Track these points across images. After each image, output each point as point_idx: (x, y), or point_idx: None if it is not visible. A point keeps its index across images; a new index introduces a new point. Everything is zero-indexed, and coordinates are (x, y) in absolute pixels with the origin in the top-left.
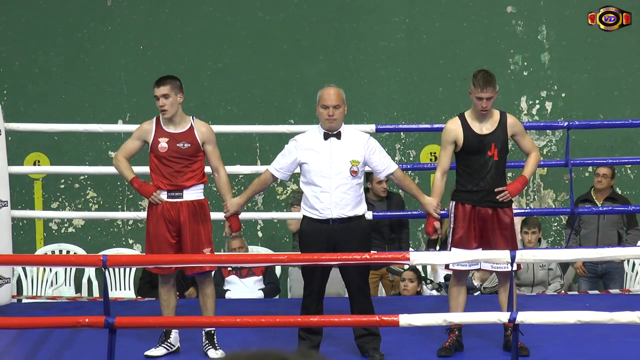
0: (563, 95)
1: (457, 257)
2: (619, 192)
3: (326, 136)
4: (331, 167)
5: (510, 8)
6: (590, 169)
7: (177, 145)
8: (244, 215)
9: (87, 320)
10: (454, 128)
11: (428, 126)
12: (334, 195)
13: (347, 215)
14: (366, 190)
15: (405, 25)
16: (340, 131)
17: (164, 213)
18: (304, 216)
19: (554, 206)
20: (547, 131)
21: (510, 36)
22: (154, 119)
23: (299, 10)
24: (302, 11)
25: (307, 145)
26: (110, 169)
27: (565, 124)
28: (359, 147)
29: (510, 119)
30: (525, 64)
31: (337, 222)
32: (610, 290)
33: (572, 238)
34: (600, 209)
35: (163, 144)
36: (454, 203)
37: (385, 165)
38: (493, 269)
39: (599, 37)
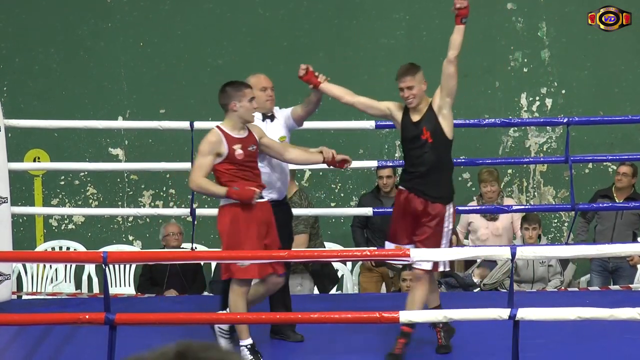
0: (563, 92)
1: (457, 254)
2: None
3: (264, 118)
4: None
5: (510, 5)
6: (590, 165)
7: (248, 149)
8: None
9: (87, 316)
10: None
11: None
12: (274, 175)
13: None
14: (377, 188)
15: (406, 22)
16: (273, 113)
17: (255, 214)
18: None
19: (554, 203)
20: (547, 128)
21: (510, 33)
22: (217, 130)
23: (299, 7)
24: (302, 8)
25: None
26: (110, 166)
27: (565, 120)
28: (283, 122)
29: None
30: (525, 60)
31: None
32: (611, 287)
33: (582, 227)
34: (601, 205)
35: (239, 150)
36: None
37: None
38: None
39: (599, 34)
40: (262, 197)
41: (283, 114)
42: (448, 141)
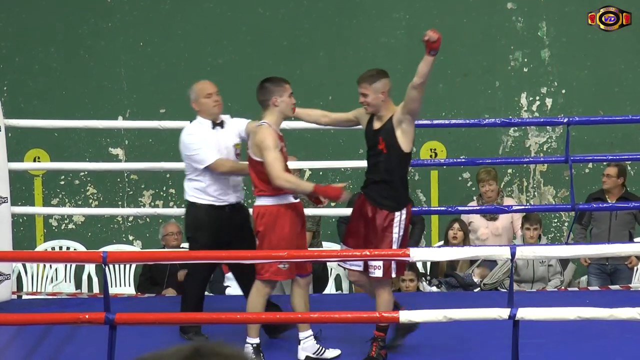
0: (563, 91)
1: (457, 253)
2: (633, 192)
3: (214, 125)
4: (223, 155)
5: (511, 4)
6: (590, 165)
7: (284, 150)
8: None
9: (87, 316)
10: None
11: (428, 122)
12: (230, 180)
13: (241, 201)
14: None
15: (406, 21)
16: (222, 120)
17: (299, 214)
18: (197, 204)
19: (554, 202)
20: (547, 127)
21: (511, 32)
22: (267, 125)
23: (299, 7)
24: (302, 7)
25: (197, 138)
26: (110, 165)
27: (565, 120)
28: (237, 131)
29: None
30: (526, 60)
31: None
32: (610, 287)
33: (580, 234)
34: (601, 205)
35: (284, 150)
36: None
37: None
38: (369, 274)
39: (599, 34)
40: (296, 198)
41: (236, 123)
42: (403, 154)
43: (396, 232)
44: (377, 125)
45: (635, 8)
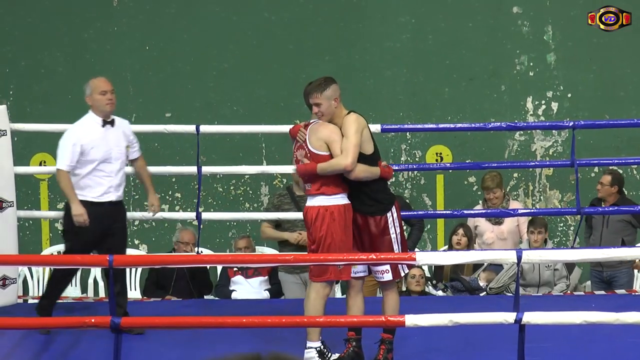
0: (569, 95)
1: (463, 257)
2: (629, 197)
3: (104, 123)
4: (112, 153)
5: (516, 8)
6: (596, 169)
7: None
8: (250, 216)
9: (93, 320)
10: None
11: (434, 126)
12: (115, 179)
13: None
14: None
15: (411, 25)
16: (113, 119)
17: (348, 218)
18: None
19: (560, 206)
20: (553, 131)
21: (516, 36)
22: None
23: (305, 11)
24: (308, 11)
25: (89, 135)
26: None
27: (571, 124)
28: (127, 132)
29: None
30: (531, 64)
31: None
32: (616, 291)
33: (586, 238)
34: (607, 209)
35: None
36: None
37: (137, 148)
38: (376, 279)
39: (605, 38)
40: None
41: (124, 124)
42: (366, 157)
43: (393, 232)
44: None
45: (635, 8)
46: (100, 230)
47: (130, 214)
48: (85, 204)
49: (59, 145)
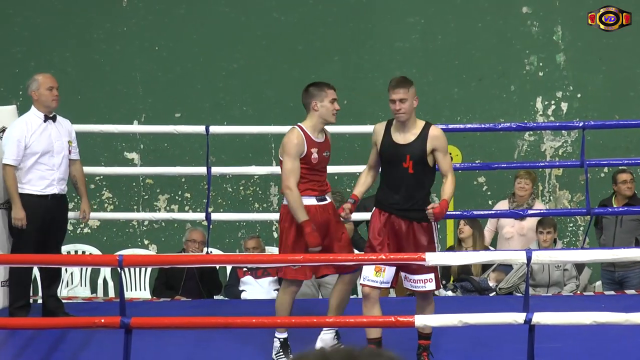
0: (579, 95)
1: (471, 257)
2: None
3: (46, 119)
4: (54, 146)
5: (526, 8)
6: (606, 169)
7: (323, 154)
8: (260, 216)
9: (102, 320)
10: (378, 130)
11: (443, 127)
12: (58, 172)
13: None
14: None
15: (420, 25)
16: (55, 115)
17: (313, 217)
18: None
19: (569, 207)
20: (563, 132)
21: (526, 37)
22: (299, 130)
23: (314, 11)
24: (317, 12)
25: (31, 129)
26: (125, 170)
27: (581, 124)
28: (69, 129)
29: (433, 131)
30: (541, 64)
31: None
32: (626, 291)
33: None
34: (617, 209)
35: (315, 154)
36: (374, 209)
37: (76, 150)
38: (412, 288)
39: (614, 38)
40: (325, 200)
41: (66, 122)
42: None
43: (436, 240)
44: (402, 139)
45: (635, 8)
46: (44, 222)
47: (139, 215)
48: (30, 197)
49: (3, 142)
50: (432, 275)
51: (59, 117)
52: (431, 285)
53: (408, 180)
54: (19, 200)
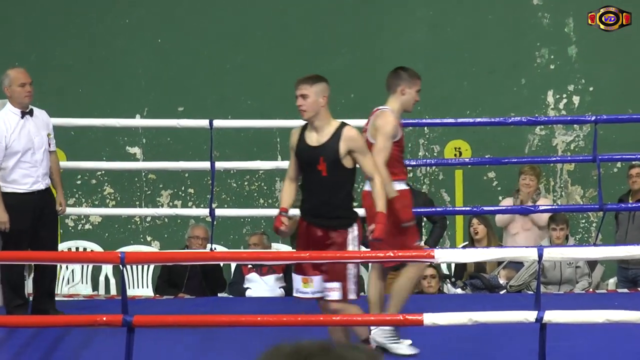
0: (591, 89)
1: (482, 255)
2: None
3: (23, 114)
4: (34, 142)
5: (537, 0)
6: (619, 164)
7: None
8: (265, 212)
9: (104, 318)
10: (293, 133)
11: (452, 121)
12: (41, 168)
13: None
14: None
15: (430, 18)
16: (32, 109)
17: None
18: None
19: (581, 202)
20: (575, 126)
21: (537, 29)
22: (390, 111)
23: (322, 3)
24: (325, 4)
25: (10, 127)
26: (127, 165)
27: (593, 118)
28: (47, 121)
29: (347, 132)
30: (552, 57)
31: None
32: None
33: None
34: (629, 205)
35: (402, 137)
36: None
37: (53, 142)
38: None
39: (627, 31)
40: (408, 185)
41: (43, 114)
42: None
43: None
44: (316, 140)
45: (635, 8)
46: (32, 219)
47: (141, 210)
48: (17, 195)
49: None
50: (338, 285)
51: (35, 110)
52: (335, 295)
53: (322, 184)
54: (1, 203)
